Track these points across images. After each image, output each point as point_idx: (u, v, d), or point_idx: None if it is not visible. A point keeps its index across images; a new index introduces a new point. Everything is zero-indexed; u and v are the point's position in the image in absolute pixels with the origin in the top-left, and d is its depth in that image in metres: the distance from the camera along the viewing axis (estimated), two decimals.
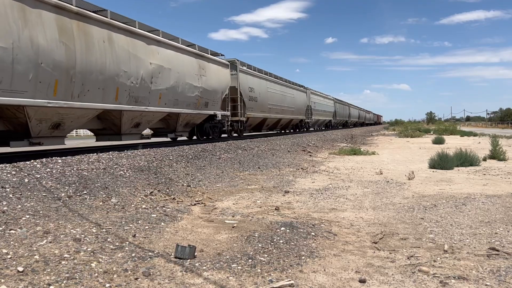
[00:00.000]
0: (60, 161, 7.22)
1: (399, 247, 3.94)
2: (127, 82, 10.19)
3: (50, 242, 3.66)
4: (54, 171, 6.37)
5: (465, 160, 10.49)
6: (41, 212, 4.58)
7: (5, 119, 7.97)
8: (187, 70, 13.33)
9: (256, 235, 4.23)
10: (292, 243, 4.00)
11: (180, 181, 7.52)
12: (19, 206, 4.64)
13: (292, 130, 31.20)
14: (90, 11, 9.30)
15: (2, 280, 2.82)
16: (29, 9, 7.54)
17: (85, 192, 5.69)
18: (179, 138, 15.37)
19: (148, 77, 11.03)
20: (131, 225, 4.47)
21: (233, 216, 5.22)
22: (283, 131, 29.29)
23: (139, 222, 4.64)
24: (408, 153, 15.56)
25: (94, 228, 4.23)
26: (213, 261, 3.47)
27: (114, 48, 9.81)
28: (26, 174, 5.99)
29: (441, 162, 10.02)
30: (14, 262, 3.14)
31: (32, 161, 6.96)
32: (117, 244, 3.78)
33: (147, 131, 14.24)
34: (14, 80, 7.21)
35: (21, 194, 5.03)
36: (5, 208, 4.47)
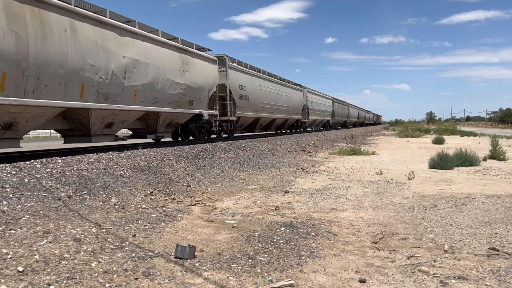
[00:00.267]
0: (60, 161, 7.22)
1: (399, 247, 3.94)
2: (94, 77, 9.10)
3: (50, 242, 3.66)
4: (54, 171, 6.37)
5: (465, 160, 10.49)
6: (41, 212, 4.58)
7: None
8: (168, 65, 12.19)
9: (256, 235, 4.23)
10: (292, 243, 4.00)
11: (180, 181, 7.52)
12: (19, 206, 4.64)
13: (288, 131, 30.12)
14: None
15: (2, 280, 2.82)
16: None
17: (85, 192, 5.69)
18: (162, 140, 14.39)
19: (120, 72, 9.92)
20: (131, 225, 4.47)
21: (233, 216, 5.22)
22: (279, 131, 28.16)
23: (139, 222, 4.64)
24: (408, 153, 15.56)
25: (94, 228, 4.23)
26: (213, 261, 3.47)
27: (78, 39, 8.65)
28: (26, 174, 5.99)
29: (441, 162, 10.02)
30: (14, 262, 3.14)
31: (32, 161, 6.96)
32: (117, 244, 3.78)
33: (123, 132, 13.40)
34: None
35: (21, 194, 5.03)
36: (5, 208, 4.47)
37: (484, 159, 11.47)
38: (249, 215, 5.25)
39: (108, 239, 3.89)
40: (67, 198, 5.31)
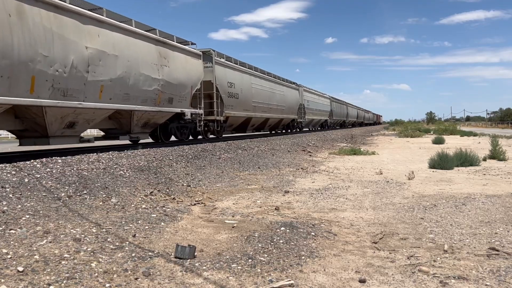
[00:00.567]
0: (60, 161, 7.22)
1: (399, 247, 3.94)
2: (48, 69, 7.91)
3: (50, 242, 3.66)
4: (54, 171, 6.37)
5: (465, 160, 10.50)
6: (41, 212, 4.58)
7: None
8: (142, 58, 10.95)
9: (256, 235, 4.23)
10: (292, 243, 4.00)
11: (180, 181, 7.53)
12: (19, 206, 4.64)
13: (284, 131, 28.75)
14: None
15: (2, 280, 2.82)
16: None
17: (85, 192, 5.69)
18: (142, 141, 13.13)
19: (82, 64, 8.72)
20: (131, 225, 4.47)
21: (233, 216, 5.22)
22: (273, 132, 26.90)
23: (139, 222, 4.64)
24: (408, 153, 15.56)
25: (94, 228, 4.23)
26: (213, 261, 3.47)
27: (27, 25, 7.49)
28: (26, 174, 5.99)
29: (441, 162, 10.03)
30: (14, 262, 3.14)
31: (32, 161, 6.96)
32: (117, 244, 3.78)
33: (93, 132, 11.97)
34: None
35: (21, 194, 5.03)
36: (5, 208, 4.47)
37: (484, 159, 11.47)
38: (249, 215, 5.25)
39: (108, 239, 3.89)
40: (67, 198, 5.31)
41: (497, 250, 3.70)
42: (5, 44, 7.08)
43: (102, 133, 12.44)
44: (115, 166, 7.43)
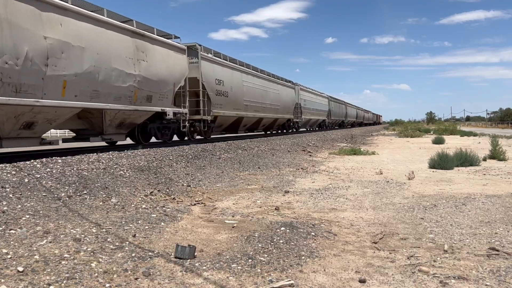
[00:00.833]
0: (60, 161, 7.22)
1: (399, 247, 3.94)
2: None
3: (50, 242, 3.66)
4: (54, 171, 6.37)
5: (465, 160, 10.50)
6: (41, 212, 4.58)
7: None
8: (115, 51, 9.85)
9: (256, 235, 4.23)
10: (292, 243, 4.00)
11: (180, 181, 7.53)
12: (19, 206, 4.64)
13: (279, 131, 27.42)
14: None
15: (2, 280, 2.82)
16: None
17: (85, 192, 5.69)
18: (119, 142, 11.99)
19: (40, 57, 7.68)
20: (131, 225, 4.47)
21: (233, 216, 5.22)
22: (268, 132, 25.67)
23: (139, 222, 4.64)
24: (408, 153, 15.56)
25: (94, 228, 4.23)
26: (213, 261, 3.47)
27: None
28: (26, 174, 5.99)
29: (441, 162, 10.03)
30: (14, 262, 3.14)
31: (32, 161, 6.96)
32: (117, 244, 3.78)
33: (61, 133, 10.71)
34: None
35: (21, 194, 5.03)
36: (5, 208, 4.47)
37: (484, 159, 11.47)
38: (249, 215, 5.25)
39: (108, 239, 3.89)
40: (67, 198, 5.32)
41: (497, 250, 3.70)
42: None
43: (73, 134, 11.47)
44: (115, 166, 7.44)
